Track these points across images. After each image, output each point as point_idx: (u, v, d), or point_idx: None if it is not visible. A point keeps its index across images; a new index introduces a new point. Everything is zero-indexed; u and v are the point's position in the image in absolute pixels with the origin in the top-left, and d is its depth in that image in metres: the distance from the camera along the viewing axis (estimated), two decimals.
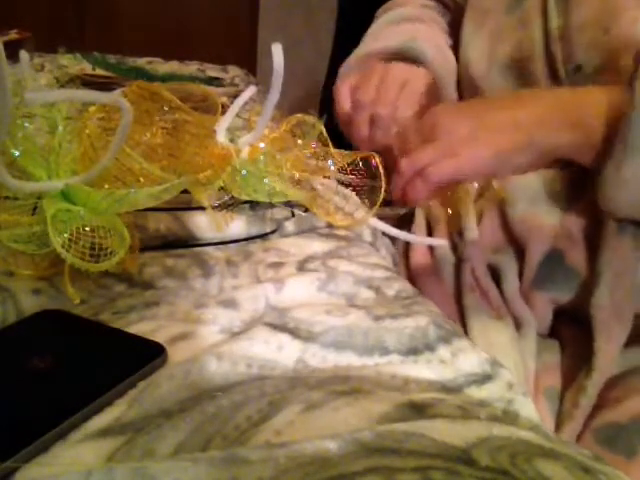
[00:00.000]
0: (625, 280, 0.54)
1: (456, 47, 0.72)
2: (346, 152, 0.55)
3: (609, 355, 0.52)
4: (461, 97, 0.73)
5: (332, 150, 0.53)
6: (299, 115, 0.53)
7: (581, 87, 0.54)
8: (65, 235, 0.35)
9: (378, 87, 0.67)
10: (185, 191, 0.44)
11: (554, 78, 0.60)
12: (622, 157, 0.46)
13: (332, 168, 0.52)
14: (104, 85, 0.93)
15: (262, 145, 0.49)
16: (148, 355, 0.31)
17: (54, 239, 0.35)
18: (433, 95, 0.69)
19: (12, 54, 0.37)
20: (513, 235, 0.62)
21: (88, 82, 0.93)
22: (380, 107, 0.66)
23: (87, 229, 0.36)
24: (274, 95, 0.44)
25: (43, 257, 0.38)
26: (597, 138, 0.49)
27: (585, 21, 0.57)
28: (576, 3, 0.58)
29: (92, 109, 0.42)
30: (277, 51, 0.42)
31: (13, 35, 1.06)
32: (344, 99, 0.69)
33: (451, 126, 0.52)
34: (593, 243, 0.56)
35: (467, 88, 0.70)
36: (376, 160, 0.54)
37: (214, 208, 0.47)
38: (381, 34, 0.79)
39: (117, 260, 0.36)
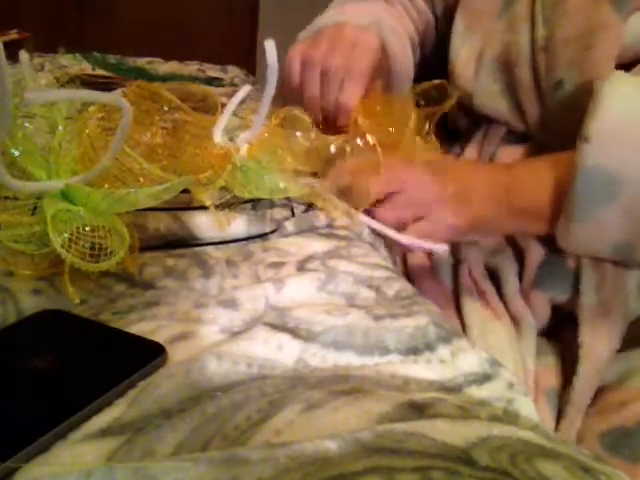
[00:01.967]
0: (611, 279, 0.55)
1: (445, 46, 0.71)
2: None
3: (595, 350, 0.53)
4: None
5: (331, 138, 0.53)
6: (286, 108, 0.54)
7: (527, 164, 0.58)
8: (65, 235, 0.35)
9: (330, 44, 0.63)
10: (185, 191, 0.44)
11: (538, 88, 0.60)
12: (567, 224, 0.51)
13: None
14: (104, 85, 0.93)
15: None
16: (148, 355, 0.31)
17: (54, 239, 0.35)
18: (384, 60, 0.68)
19: (12, 54, 0.37)
20: (512, 236, 0.62)
21: (88, 82, 0.93)
22: (332, 60, 0.62)
23: (87, 229, 0.36)
24: (270, 91, 0.44)
25: (43, 257, 0.38)
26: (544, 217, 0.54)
27: (569, 35, 0.57)
28: (562, 13, 0.57)
29: (92, 109, 0.42)
30: (270, 48, 0.42)
31: (13, 35, 1.06)
32: (295, 62, 0.65)
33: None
34: None
35: (455, 88, 0.70)
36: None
37: (216, 207, 0.47)
38: (345, 9, 0.75)
39: (117, 260, 0.36)
